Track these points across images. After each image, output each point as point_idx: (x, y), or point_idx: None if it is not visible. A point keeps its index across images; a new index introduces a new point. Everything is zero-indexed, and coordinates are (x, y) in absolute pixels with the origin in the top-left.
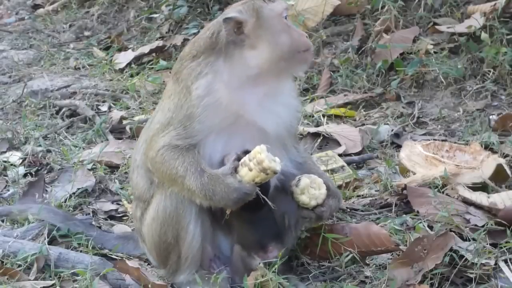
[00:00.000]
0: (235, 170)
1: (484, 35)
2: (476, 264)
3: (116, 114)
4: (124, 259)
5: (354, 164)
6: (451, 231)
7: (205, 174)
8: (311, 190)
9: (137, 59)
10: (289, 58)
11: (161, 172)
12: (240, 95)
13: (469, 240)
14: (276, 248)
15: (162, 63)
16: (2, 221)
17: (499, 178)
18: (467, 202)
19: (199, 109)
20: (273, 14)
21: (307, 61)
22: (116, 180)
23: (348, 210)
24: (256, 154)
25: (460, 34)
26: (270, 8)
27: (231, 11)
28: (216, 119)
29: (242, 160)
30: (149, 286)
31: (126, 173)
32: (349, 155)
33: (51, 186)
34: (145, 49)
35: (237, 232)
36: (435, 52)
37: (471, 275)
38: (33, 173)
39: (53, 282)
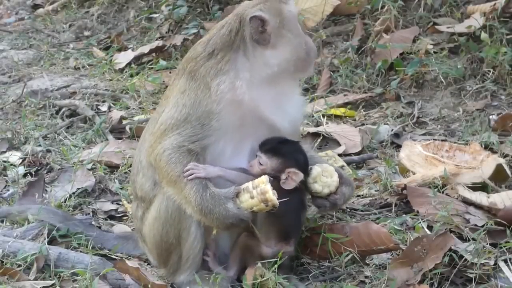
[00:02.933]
0: (237, 194)
1: (484, 35)
2: (476, 264)
3: (116, 114)
4: (123, 259)
5: (354, 164)
6: (451, 231)
7: (208, 190)
8: (323, 178)
9: (137, 59)
10: (302, 60)
11: (163, 171)
12: (258, 92)
13: (469, 240)
14: (294, 243)
15: (162, 63)
16: (2, 221)
17: (499, 178)
18: (467, 202)
19: (220, 105)
20: (291, 16)
21: (311, 66)
22: (116, 180)
23: (348, 210)
24: (260, 183)
25: (460, 34)
26: (288, 10)
27: (253, 10)
28: (235, 116)
29: (244, 186)
30: (149, 286)
31: (126, 173)
32: (349, 155)
33: (51, 186)
34: (145, 49)
35: (265, 218)
36: (435, 52)
37: (471, 275)
38: (33, 173)
39: (53, 282)
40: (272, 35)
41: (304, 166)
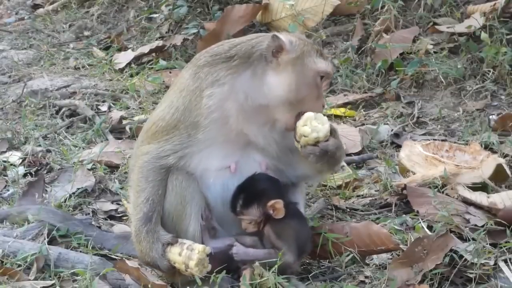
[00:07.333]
0: (171, 244)
1: (484, 35)
2: (476, 264)
3: (116, 114)
4: (123, 259)
5: (354, 164)
6: (451, 231)
7: (149, 224)
8: (313, 122)
9: (137, 59)
10: (294, 105)
11: (135, 174)
12: (247, 119)
13: (469, 240)
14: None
15: (162, 63)
16: (2, 221)
17: (499, 178)
18: (467, 202)
19: (207, 120)
20: (312, 67)
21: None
22: (116, 180)
23: (348, 210)
24: (197, 247)
25: (460, 34)
26: (314, 61)
27: (283, 34)
28: (221, 132)
29: (186, 241)
30: (149, 286)
31: (126, 173)
32: (349, 155)
33: (51, 186)
34: (145, 49)
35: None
36: (435, 52)
37: (471, 275)
38: (33, 173)
39: (52, 282)
40: (281, 65)
41: (276, 189)
